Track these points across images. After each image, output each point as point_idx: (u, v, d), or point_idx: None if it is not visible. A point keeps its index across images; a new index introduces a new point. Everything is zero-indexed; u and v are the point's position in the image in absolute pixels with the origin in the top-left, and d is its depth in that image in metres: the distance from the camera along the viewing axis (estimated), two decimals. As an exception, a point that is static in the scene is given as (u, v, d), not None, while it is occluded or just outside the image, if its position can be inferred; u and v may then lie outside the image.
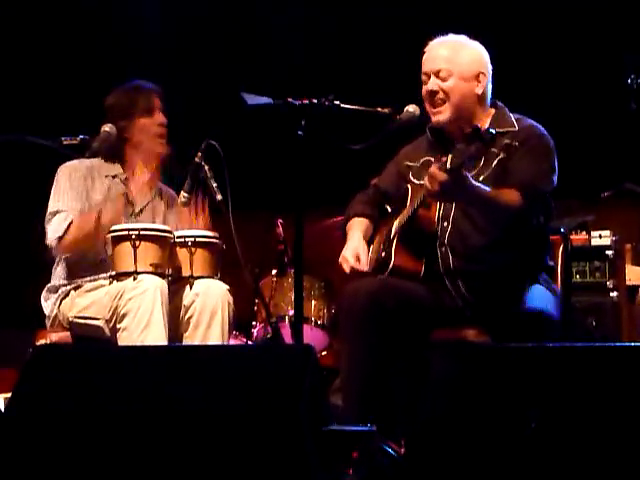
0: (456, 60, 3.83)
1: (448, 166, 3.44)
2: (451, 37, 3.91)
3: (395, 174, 4.08)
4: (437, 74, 3.83)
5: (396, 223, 3.90)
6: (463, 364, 2.76)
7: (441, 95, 3.83)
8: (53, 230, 4.11)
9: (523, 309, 3.70)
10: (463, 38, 3.92)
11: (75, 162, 4.23)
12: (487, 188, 3.61)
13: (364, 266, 3.85)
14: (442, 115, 3.84)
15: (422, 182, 3.65)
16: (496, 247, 3.72)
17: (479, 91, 3.85)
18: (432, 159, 3.85)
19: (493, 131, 3.45)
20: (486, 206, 3.66)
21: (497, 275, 3.71)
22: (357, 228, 4.04)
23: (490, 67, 3.89)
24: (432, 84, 3.84)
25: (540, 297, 3.77)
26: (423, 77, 3.89)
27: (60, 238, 4.08)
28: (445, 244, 3.77)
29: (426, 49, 3.91)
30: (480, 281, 3.71)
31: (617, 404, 2.53)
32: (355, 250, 3.90)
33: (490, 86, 3.90)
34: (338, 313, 3.83)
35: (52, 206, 4.15)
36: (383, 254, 3.89)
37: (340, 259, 3.91)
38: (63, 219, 4.09)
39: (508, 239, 3.71)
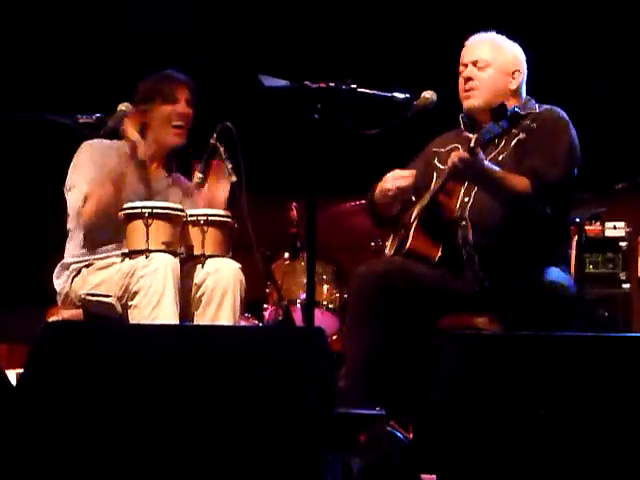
0: (496, 54, 3.91)
1: (471, 144, 3.59)
2: (492, 34, 3.98)
3: (422, 163, 4.08)
4: (475, 64, 3.89)
5: (417, 207, 3.91)
6: (473, 351, 2.77)
7: (475, 82, 3.88)
8: (72, 207, 4.14)
9: (540, 283, 3.69)
10: (503, 37, 3.99)
11: (97, 140, 4.23)
12: (499, 170, 3.68)
13: (406, 172, 3.89)
14: (474, 100, 3.89)
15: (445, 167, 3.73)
16: (512, 226, 3.74)
17: (513, 87, 3.92)
18: (459, 145, 3.90)
19: (518, 110, 3.65)
20: (494, 188, 3.71)
21: (512, 253, 3.73)
22: None
23: (526, 68, 3.96)
24: (468, 71, 3.90)
25: (558, 275, 3.77)
26: (461, 68, 3.94)
27: (80, 210, 4.09)
28: (465, 217, 3.80)
29: (467, 42, 3.98)
30: (496, 256, 3.73)
31: (626, 394, 2.54)
32: (392, 173, 3.92)
33: (524, 86, 3.97)
34: (348, 293, 3.84)
35: (69, 180, 4.17)
36: (402, 237, 3.89)
37: (379, 189, 3.94)
38: (77, 193, 4.11)
39: (520, 222, 3.74)
